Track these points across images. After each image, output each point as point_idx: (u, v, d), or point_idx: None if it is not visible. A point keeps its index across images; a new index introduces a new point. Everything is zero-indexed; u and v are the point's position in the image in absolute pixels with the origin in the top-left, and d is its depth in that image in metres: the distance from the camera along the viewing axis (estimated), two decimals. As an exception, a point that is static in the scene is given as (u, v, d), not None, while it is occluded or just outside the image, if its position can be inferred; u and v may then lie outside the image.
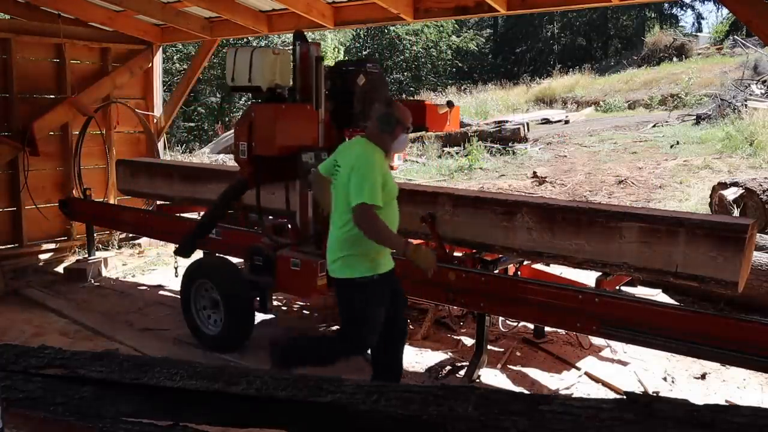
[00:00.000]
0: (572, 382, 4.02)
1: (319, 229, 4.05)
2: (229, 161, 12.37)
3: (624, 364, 4.29)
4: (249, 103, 4.42)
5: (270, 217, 5.29)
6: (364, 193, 3.04)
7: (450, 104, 4.70)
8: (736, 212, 6.33)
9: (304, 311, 5.42)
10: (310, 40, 4.27)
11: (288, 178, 4.22)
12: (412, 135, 4.21)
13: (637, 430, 1.97)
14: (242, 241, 4.65)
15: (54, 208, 6.75)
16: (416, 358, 4.39)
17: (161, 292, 6.00)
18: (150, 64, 7.69)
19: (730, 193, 6.62)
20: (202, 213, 6.07)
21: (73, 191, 6.88)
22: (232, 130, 14.95)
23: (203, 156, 13.20)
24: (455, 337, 4.76)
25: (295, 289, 4.32)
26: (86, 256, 6.65)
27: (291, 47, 4.26)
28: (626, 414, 2.02)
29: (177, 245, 4.73)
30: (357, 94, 4.24)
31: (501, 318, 4.52)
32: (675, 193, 9.06)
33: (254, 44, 23.48)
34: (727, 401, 3.73)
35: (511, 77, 27.11)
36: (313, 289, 3.94)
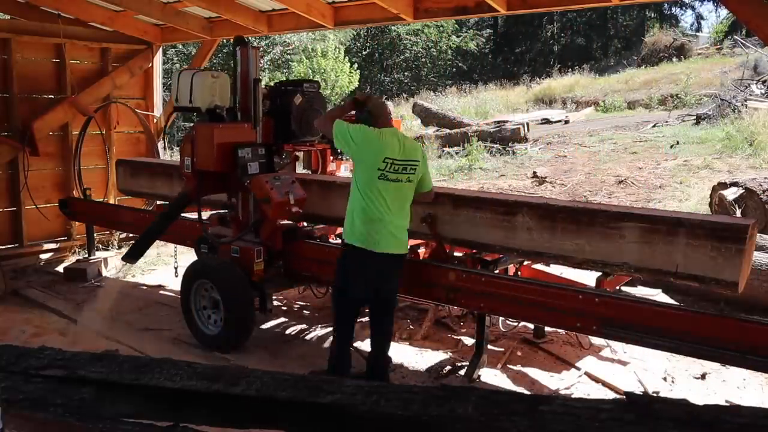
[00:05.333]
0: (572, 382, 4.02)
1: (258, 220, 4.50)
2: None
3: (624, 364, 4.28)
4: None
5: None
6: None
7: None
8: (738, 213, 6.33)
9: (305, 311, 5.42)
10: (250, 45, 4.62)
11: (227, 189, 4.62)
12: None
13: (637, 430, 1.97)
14: (190, 232, 5.11)
15: (54, 208, 6.76)
16: (416, 358, 4.39)
17: (161, 292, 5.99)
18: (150, 64, 7.69)
19: (730, 193, 6.61)
20: (202, 214, 6.10)
21: (73, 191, 6.88)
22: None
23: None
24: (455, 337, 4.76)
25: None
26: (86, 256, 6.66)
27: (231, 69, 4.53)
28: (626, 414, 2.01)
29: (127, 252, 4.92)
30: (294, 112, 4.68)
31: (501, 318, 4.52)
32: (675, 193, 9.05)
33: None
34: (727, 401, 3.73)
35: (511, 77, 27.10)
36: (251, 273, 4.39)
